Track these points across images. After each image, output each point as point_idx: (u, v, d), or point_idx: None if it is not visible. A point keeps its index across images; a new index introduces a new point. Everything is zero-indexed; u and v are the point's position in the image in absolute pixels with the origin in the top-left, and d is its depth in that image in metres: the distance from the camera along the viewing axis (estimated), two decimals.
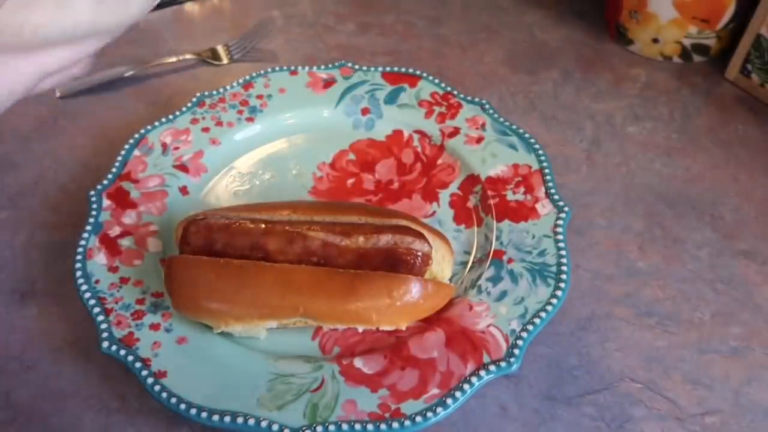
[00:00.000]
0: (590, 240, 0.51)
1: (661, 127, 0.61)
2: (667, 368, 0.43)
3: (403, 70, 0.62)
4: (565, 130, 0.61)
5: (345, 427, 0.37)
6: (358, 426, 0.37)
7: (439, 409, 0.38)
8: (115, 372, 0.42)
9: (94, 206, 0.50)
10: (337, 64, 0.63)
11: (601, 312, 0.46)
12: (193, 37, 0.74)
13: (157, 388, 0.39)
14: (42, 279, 0.49)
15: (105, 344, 0.41)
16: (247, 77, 0.61)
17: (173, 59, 0.68)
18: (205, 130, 0.57)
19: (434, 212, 0.52)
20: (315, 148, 0.57)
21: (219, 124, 0.58)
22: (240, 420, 0.37)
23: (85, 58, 0.37)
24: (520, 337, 0.41)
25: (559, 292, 0.43)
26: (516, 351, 0.40)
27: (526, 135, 0.55)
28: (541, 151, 0.53)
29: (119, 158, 0.54)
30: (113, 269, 0.46)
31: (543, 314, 0.42)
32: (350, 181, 0.55)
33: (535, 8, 0.77)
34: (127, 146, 0.55)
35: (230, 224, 0.42)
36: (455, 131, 0.57)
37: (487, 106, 0.58)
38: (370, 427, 0.37)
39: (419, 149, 0.57)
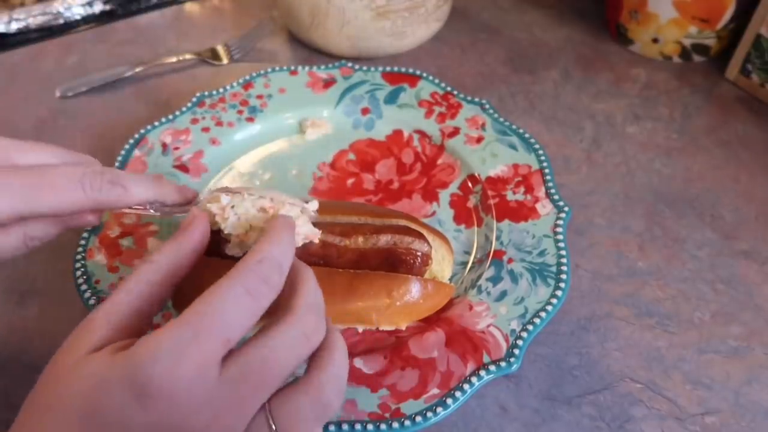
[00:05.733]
0: (590, 240, 0.51)
1: (661, 127, 0.61)
2: (667, 368, 0.43)
3: (403, 70, 0.62)
4: (565, 130, 0.61)
5: (345, 427, 0.37)
6: (358, 426, 0.37)
7: (439, 409, 0.38)
8: None
9: None
10: (336, 64, 0.63)
11: (601, 312, 0.46)
12: (193, 37, 0.74)
13: None
14: (42, 279, 0.49)
15: None
16: (247, 77, 0.61)
17: (173, 59, 0.68)
18: (205, 130, 0.57)
19: (434, 212, 0.52)
20: (315, 148, 0.57)
21: (219, 124, 0.58)
22: None
23: None
24: (520, 337, 0.41)
25: (559, 292, 0.43)
26: (516, 351, 0.40)
27: (526, 135, 0.55)
28: (541, 151, 0.53)
29: (119, 158, 0.54)
30: (113, 269, 0.46)
31: (543, 314, 0.42)
32: (350, 181, 0.55)
33: (535, 8, 0.77)
34: (127, 146, 0.55)
35: None
36: (455, 131, 0.57)
37: (487, 106, 0.58)
38: (370, 427, 0.37)
39: (419, 149, 0.57)
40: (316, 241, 0.40)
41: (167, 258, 0.33)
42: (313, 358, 0.31)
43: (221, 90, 0.60)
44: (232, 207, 0.38)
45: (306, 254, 0.41)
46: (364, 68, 0.62)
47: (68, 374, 0.28)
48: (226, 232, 0.38)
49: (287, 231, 0.33)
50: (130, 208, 0.40)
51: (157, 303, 0.33)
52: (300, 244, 0.39)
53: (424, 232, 0.43)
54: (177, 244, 0.34)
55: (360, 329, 0.43)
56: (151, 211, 0.41)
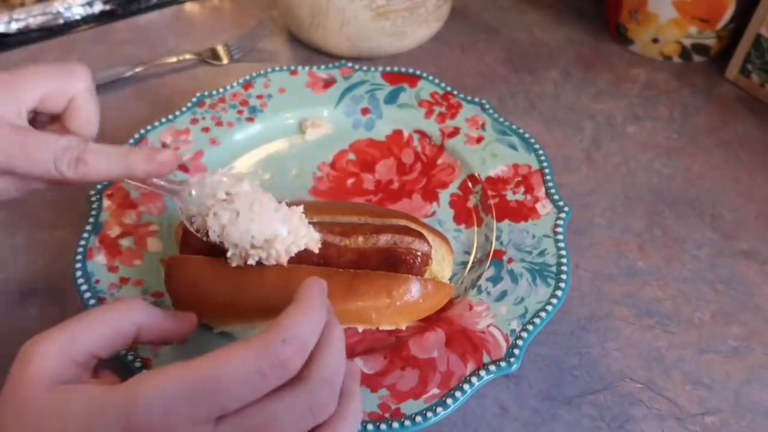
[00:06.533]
0: (590, 240, 0.51)
1: (661, 127, 0.61)
2: (667, 368, 0.43)
3: (403, 70, 0.62)
4: (565, 130, 0.61)
5: None
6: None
7: (439, 409, 0.38)
8: (115, 372, 0.42)
9: (94, 206, 0.50)
10: (336, 64, 0.63)
11: (601, 312, 0.46)
12: (193, 37, 0.74)
13: None
14: (42, 279, 0.49)
15: None
16: (247, 77, 0.61)
17: (173, 59, 0.68)
18: (205, 130, 0.57)
19: (434, 212, 0.52)
20: (315, 148, 0.57)
21: (219, 124, 0.58)
22: None
23: None
24: (520, 337, 0.41)
25: (559, 292, 0.43)
26: (516, 351, 0.40)
27: (526, 135, 0.55)
28: (541, 151, 0.53)
29: None
30: (113, 269, 0.46)
31: (543, 314, 0.42)
32: (350, 181, 0.55)
33: (535, 8, 0.77)
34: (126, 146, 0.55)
35: None
36: (455, 131, 0.57)
37: (487, 106, 0.58)
38: (370, 427, 0.37)
39: (419, 149, 0.57)
40: (316, 251, 0.40)
41: (147, 319, 0.34)
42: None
43: (221, 90, 0.60)
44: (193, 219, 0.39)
45: (306, 254, 0.41)
46: (364, 68, 0.62)
47: (48, 403, 0.29)
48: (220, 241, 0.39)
49: (320, 298, 0.31)
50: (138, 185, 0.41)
51: (113, 352, 0.33)
52: (301, 249, 0.39)
53: (424, 232, 0.43)
54: (166, 319, 0.35)
55: (360, 329, 0.43)
56: (141, 186, 0.41)
